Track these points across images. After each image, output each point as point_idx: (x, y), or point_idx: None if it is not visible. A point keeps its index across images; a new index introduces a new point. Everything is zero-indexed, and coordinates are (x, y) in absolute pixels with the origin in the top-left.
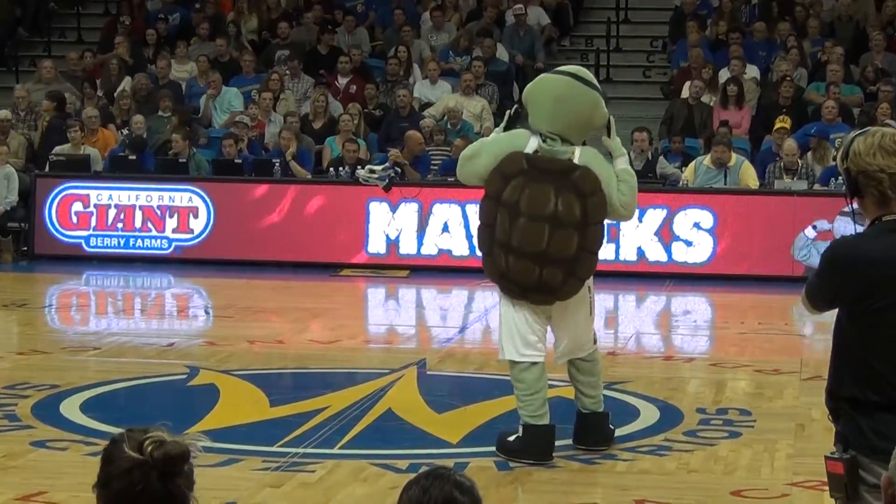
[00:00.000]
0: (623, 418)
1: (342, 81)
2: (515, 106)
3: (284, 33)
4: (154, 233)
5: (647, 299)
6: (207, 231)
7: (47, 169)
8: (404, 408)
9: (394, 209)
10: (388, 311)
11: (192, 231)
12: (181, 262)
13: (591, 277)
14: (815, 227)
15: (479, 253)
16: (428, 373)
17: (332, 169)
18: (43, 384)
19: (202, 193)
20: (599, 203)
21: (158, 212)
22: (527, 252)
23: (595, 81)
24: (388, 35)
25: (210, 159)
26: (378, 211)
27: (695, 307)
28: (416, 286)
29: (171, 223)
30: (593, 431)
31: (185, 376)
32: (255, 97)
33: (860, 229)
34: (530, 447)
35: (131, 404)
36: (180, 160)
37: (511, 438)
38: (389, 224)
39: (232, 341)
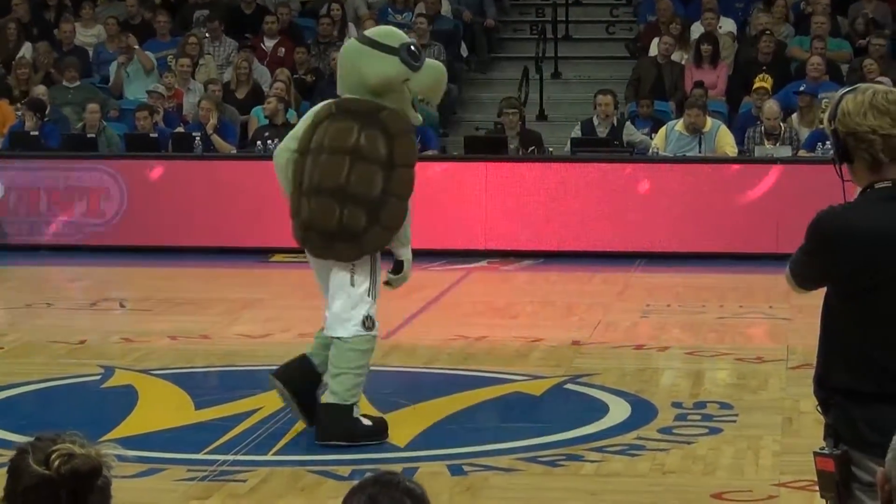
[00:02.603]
0: (590, 415)
1: (269, 44)
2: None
3: None
4: (61, 217)
5: (615, 281)
6: (120, 214)
7: None
8: None
9: None
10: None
11: (103, 214)
12: (91, 250)
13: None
14: None
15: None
16: (371, 369)
17: (258, 142)
18: None
19: (114, 172)
20: (407, 145)
21: (65, 194)
22: (326, 187)
23: (383, 39)
24: None
25: (122, 133)
26: None
27: (668, 289)
28: None
29: (79, 206)
30: (330, 425)
31: (98, 377)
32: (171, 63)
33: None
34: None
35: (39, 409)
36: (88, 135)
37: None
38: None
39: (151, 337)
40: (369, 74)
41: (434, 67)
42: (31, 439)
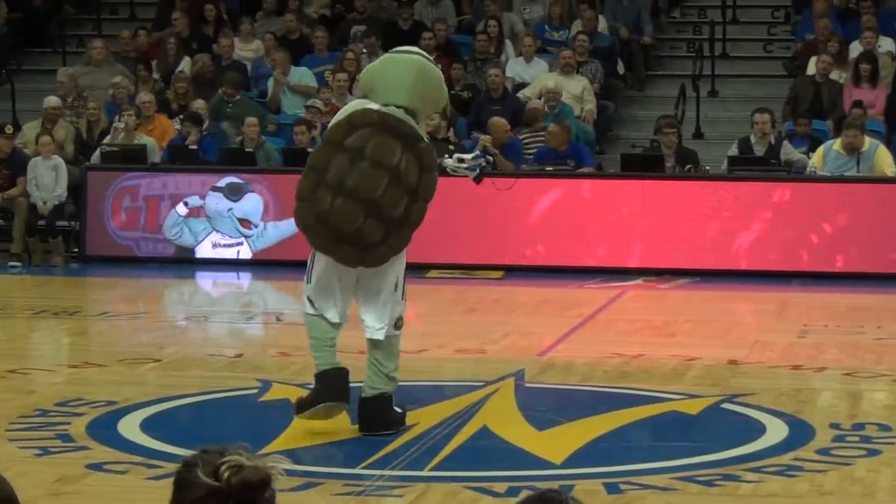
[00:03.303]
0: (747, 435)
1: None
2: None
3: (361, 6)
4: (217, 231)
5: (772, 300)
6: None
7: (98, 161)
8: (501, 424)
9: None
10: (481, 316)
11: (259, 228)
12: (247, 264)
13: (404, 265)
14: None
15: (295, 202)
16: (526, 385)
17: None
18: (98, 401)
19: (271, 186)
20: (432, 182)
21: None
22: (359, 196)
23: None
24: (475, 7)
25: (280, 148)
26: None
27: (825, 309)
28: (512, 287)
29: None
30: (378, 416)
31: (255, 391)
32: (329, 78)
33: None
34: (324, 390)
35: (197, 422)
36: (247, 149)
37: (305, 395)
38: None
39: (307, 352)
40: (445, 99)
41: None
42: (196, 452)
